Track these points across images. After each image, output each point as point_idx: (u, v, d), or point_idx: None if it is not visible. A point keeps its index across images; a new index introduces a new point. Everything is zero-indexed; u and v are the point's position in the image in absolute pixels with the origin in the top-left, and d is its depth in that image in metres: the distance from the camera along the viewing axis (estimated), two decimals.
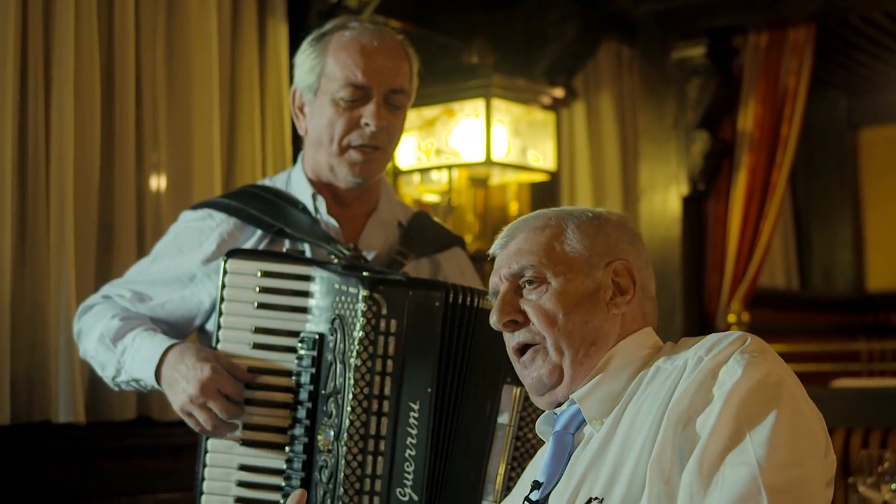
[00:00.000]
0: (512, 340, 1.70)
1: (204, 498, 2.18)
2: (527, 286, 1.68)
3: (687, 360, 1.55)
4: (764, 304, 6.29)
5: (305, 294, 2.17)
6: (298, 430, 2.13)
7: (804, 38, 5.63)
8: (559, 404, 1.69)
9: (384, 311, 2.05)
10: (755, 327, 5.45)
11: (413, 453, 2.04)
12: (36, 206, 3.31)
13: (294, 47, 2.73)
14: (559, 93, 5.03)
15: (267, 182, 2.49)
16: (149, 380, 2.23)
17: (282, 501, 2.15)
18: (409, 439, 2.04)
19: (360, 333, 2.05)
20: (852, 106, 7.77)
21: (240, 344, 2.18)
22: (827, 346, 6.83)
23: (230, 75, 3.93)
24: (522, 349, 1.69)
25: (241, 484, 2.17)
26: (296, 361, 2.15)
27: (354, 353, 2.05)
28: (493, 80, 4.64)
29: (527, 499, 1.63)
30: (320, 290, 2.15)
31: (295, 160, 2.54)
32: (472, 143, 4.62)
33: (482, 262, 4.58)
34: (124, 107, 3.57)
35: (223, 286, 2.19)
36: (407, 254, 2.40)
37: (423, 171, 4.78)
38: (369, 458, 2.04)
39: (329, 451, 2.07)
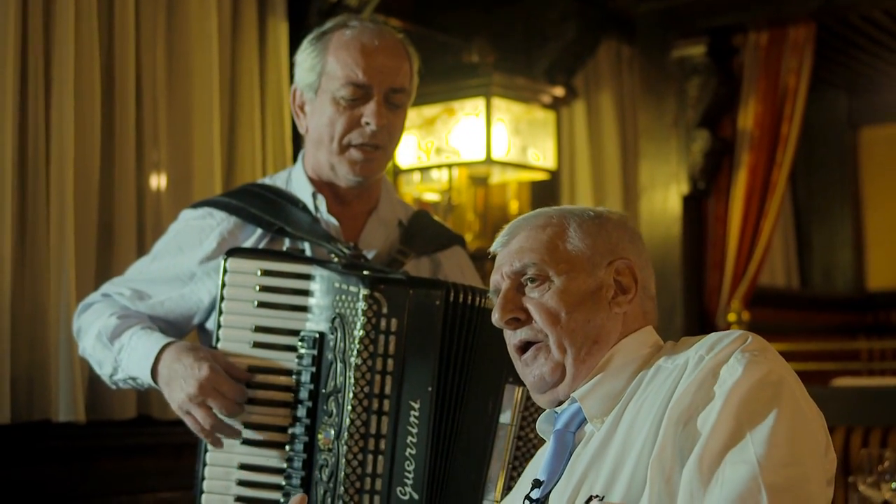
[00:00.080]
0: (514, 338, 1.70)
1: (204, 497, 2.18)
2: (529, 284, 1.68)
3: (688, 359, 1.56)
4: (764, 302, 6.29)
5: (306, 293, 2.17)
6: (299, 429, 2.13)
7: (804, 36, 5.63)
8: (560, 403, 1.69)
9: (385, 310, 2.05)
10: (755, 326, 5.45)
11: (413, 452, 2.04)
12: (36, 205, 3.31)
13: (294, 46, 2.72)
14: (559, 91, 5.03)
15: (267, 181, 2.49)
16: (145, 378, 2.23)
17: (282, 500, 2.15)
18: (410, 438, 2.04)
19: (361, 332, 2.05)
20: (852, 105, 7.77)
21: (240, 343, 2.18)
22: (827, 345, 6.83)
23: (230, 74, 3.93)
24: (524, 347, 1.69)
25: (242, 483, 2.17)
26: (296, 360, 2.15)
27: (355, 352, 2.05)
28: (494, 79, 4.64)
29: (527, 497, 1.64)
30: (321, 288, 2.15)
31: (295, 159, 2.54)
32: (472, 142, 4.62)
33: (482, 261, 4.58)
34: (124, 107, 3.57)
35: (223, 285, 2.19)
36: (407, 253, 2.40)
37: (424, 169, 4.78)
38: (370, 456, 2.04)
39: (329, 449, 2.07)
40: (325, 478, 2.07)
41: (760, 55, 5.65)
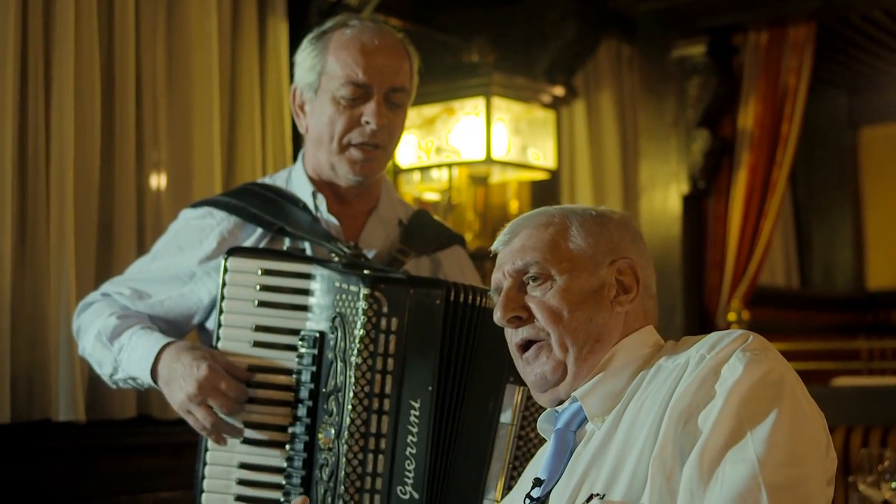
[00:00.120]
0: (515, 337, 1.70)
1: (204, 496, 2.18)
2: (531, 283, 1.68)
3: (689, 358, 1.56)
4: (764, 302, 6.29)
5: (306, 292, 2.17)
6: (299, 429, 2.13)
7: (804, 36, 5.63)
8: (561, 402, 1.69)
9: (385, 310, 2.05)
10: (755, 326, 5.45)
11: (414, 451, 2.04)
12: (36, 205, 3.31)
13: (294, 46, 2.72)
14: (559, 91, 5.03)
15: (267, 180, 2.49)
16: (145, 378, 2.23)
17: (282, 500, 2.15)
18: (410, 437, 2.04)
19: (361, 331, 2.05)
20: (853, 104, 7.77)
21: (240, 342, 2.18)
22: (827, 344, 6.83)
23: (230, 74, 3.93)
24: (525, 346, 1.69)
25: (242, 482, 2.17)
26: (296, 360, 2.15)
27: (355, 352, 2.05)
28: (494, 79, 4.64)
29: (528, 496, 1.64)
30: (321, 288, 2.15)
31: (295, 159, 2.54)
32: (472, 142, 4.62)
33: (482, 261, 4.59)
34: (124, 107, 3.57)
35: (224, 284, 2.19)
36: (407, 252, 2.40)
37: (424, 169, 4.78)
38: (370, 456, 2.04)
39: (330, 449, 2.07)
40: (325, 477, 2.07)
41: (760, 55, 5.65)
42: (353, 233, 2.40)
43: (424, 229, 2.51)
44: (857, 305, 7.60)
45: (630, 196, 5.81)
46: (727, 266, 5.67)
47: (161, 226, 3.34)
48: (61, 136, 3.32)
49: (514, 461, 2.06)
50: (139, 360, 2.24)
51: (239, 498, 2.16)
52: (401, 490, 2.03)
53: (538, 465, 1.71)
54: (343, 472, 2.03)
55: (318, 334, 2.13)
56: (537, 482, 1.64)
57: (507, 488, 2.03)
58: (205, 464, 2.19)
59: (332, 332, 2.10)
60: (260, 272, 2.19)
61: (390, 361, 2.05)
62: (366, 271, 2.12)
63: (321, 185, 2.39)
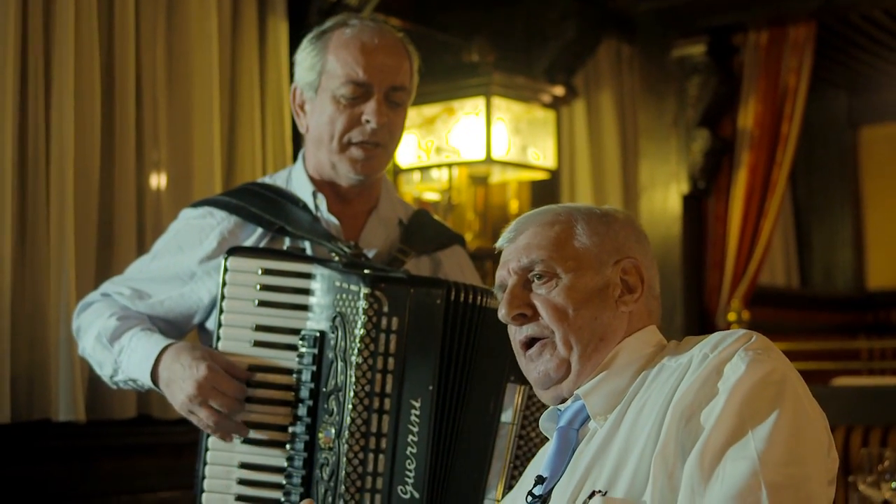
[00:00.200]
0: (519, 334, 1.70)
1: (205, 496, 2.18)
2: (536, 280, 1.68)
3: (692, 357, 1.56)
4: (764, 302, 6.29)
5: (306, 292, 2.17)
6: (299, 428, 2.13)
7: (804, 36, 5.63)
8: (563, 399, 1.69)
9: (385, 309, 2.05)
10: (755, 325, 5.44)
11: (414, 451, 2.04)
12: (36, 205, 3.31)
13: (294, 45, 2.72)
14: (559, 91, 5.03)
15: (267, 180, 2.49)
16: (145, 380, 2.23)
17: (283, 499, 2.14)
18: (411, 437, 2.04)
19: (362, 331, 2.05)
20: (852, 104, 7.77)
21: (241, 342, 2.18)
22: (827, 344, 6.83)
23: (230, 74, 3.93)
24: (529, 343, 1.69)
25: (242, 482, 2.16)
26: (297, 359, 2.15)
27: (355, 351, 2.05)
28: (494, 79, 4.64)
29: (530, 493, 1.64)
30: (321, 287, 2.15)
31: (295, 158, 2.54)
32: (472, 142, 4.62)
33: (482, 261, 4.59)
34: (124, 107, 3.57)
35: (224, 284, 2.19)
36: (408, 252, 2.40)
37: (424, 169, 4.78)
38: (370, 455, 2.04)
39: (330, 448, 2.07)
40: (325, 476, 2.07)
41: (760, 54, 5.65)
42: (354, 232, 2.40)
43: (424, 229, 2.51)
44: (857, 305, 7.60)
45: (630, 196, 5.81)
46: (727, 266, 5.67)
47: (161, 226, 3.34)
48: (61, 136, 3.32)
49: (514, 461, 2.06)
50: (139, 362, 2.24)
51: (239, 498, 2.16)
52: (401, 489, 2.03)
53: (540, 463, 1.72)
54: (343, 472, 2.03)
55: (318, 334, 2.13)
56: (539, 480, 1.64)
57: (508, 488, 2.03)
58: (205, 463, 2.19)
59: (333, 332, 2.10)
60: (260, 272, 2.19)
61: (391, 361, 2.05)
62: (366, 271, 2.12)
63: (322, 184, 2.39)
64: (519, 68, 5.00)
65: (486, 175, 4.89)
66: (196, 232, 2.37)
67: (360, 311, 2.05)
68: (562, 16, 5.18)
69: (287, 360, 2.16)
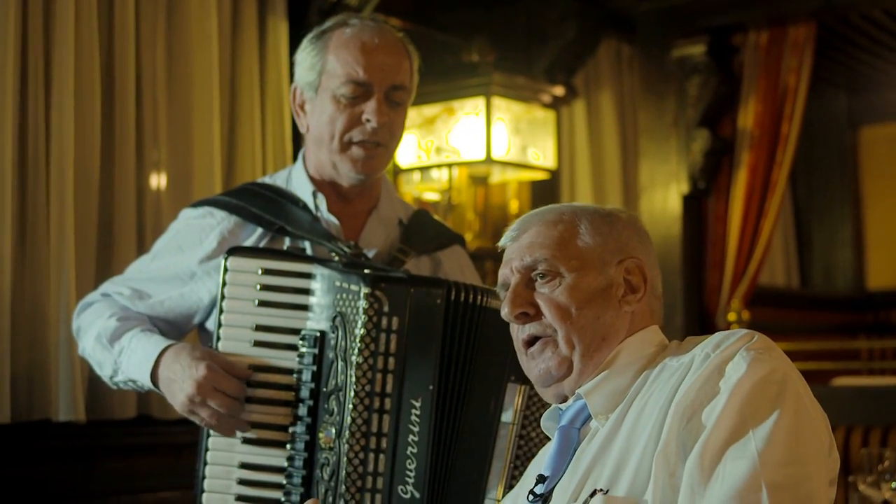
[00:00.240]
0: (522, 333, 1.70)
1: (205, 496, 2.18)
2: (539, 279, 1.68)
3: (694, 356, 1.56)
4: (764, 302, 6.29)
5: (306, 292, 2.17)
6: (300, 428, 2.13)
7: (804, 36, 5.63)
8: (564, 397, 1.70)
9: (386, 309, 2.05)
10: (755, 326, 5.42)
11: (415, 451, 2.04)
12: (36, 205, 3.31)
13: (294, 45, 2.72)
14: (559, 91, 5.03)
15: (267, 180, 2.49)
16: (145, 381, 2.23)
17: (283, 499, 2.14)
18: (411, 437, 2.04)
19: (362, 331, 2.04)
20: (852, 104, 7.77)
21: (241, 342, 2.18)
22: (827, 344, 6.82)
23: (230, 74, 3.93)
24: (531, 342, 1.70)
25: (243, 482, 2.16)
26: (297, 359, 2.15)
27: (356, 351, 2.05)
28: (494, 79, 4.64)
29: (531, 492, 1.64)
30: (321, 287, 2.15)
31: (295, 158, 2.53)
32: (472, 142, 4.62)
33: (482, 261, 4.59)
34: (124, 107, 3.57)
35: (224, 284, 2.19)
36: (408, 251, 2.40)
37: (424, 169, 4.78)
38: (371, 455, 2.04)
39: (330, 448, 2.07)
40: (326, 476, 2.07)
41: (760, 54, 5.65)
42: (354, 232, 2.39)
43: (424, 229, 2.51)
44: (857, 305, 7.60)
45: (630, 196, 5.81)
46: (727, 266, 5.66)
47: (161, 226, 3.34)
48: (61, 136, 3.32)
49: (515, 460, 2.06)
50: (139, 364, 2.24)
51: (240, 498, 2.16)
52: (402, 489, 2.03)
53: (542, 462, 1.72)
54: (344, 472, 2.03)
55: (318, 334, 2.13)
56: (541, 478, 1.64)
57: (508, 487, 2.03)
58: (205, 463, 2.19)
59: (333, 332, 2.10)
60: (260, 272, 2.19)
61: (391, 360, 2.05)
62: (366, 270, 2.12)
63: (322, 184, 2.38)
64: (519, 68, 5.00)
65: (486, 175, 4.89)
66: (196, 232, 2.37)
67: (361, 310, 2.05)
68: (562, 16, 5.18)
69: (287, 359, 2.16)
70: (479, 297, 2.09)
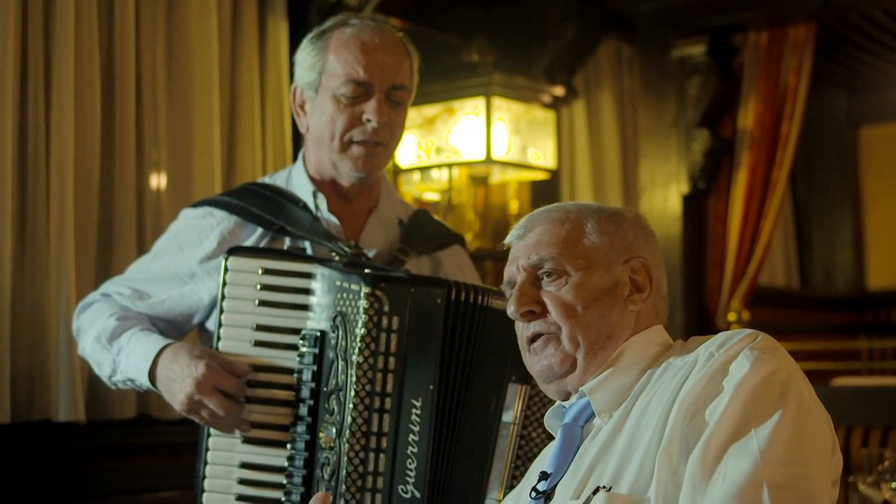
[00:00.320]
0: (527, 331, 1.70)
1: (205, 496, 2.18)
2: (545, 278, 1.69)
3: (698, 355, 1.56)
4: (764, 302, 6.29)
5: (307, 291, 2.17)
6: (300, 428, 2.13)
7: (804, 36, 5.63)
8: (567, 394, 1.70)
9: (386, 308, 2.05)
10: (755, 326, 5.40)
11: (415, 450, 2.04)
12: (36, 205, 3.31)
13: (294, 45, 2.72)
14: (559, 91, 5.03)
15: (267, 180, 2.49)
16: (143, 380, 2.23)
17: (283, 499, 2.14)
18: (412, 436, 2.04)
19: (362, 330, 2.04)
20: (852, 104, 7.77)
21: (241, 342, 2.18)
22: (827, 344, 6.82)
23: (230, 74, 3.93)
24: (534, 338, 1.69)
25: (243, 482, 2.16)
26: (297, 359, 2.15)
27: (356, 350, 2.05)
28: (494, 79, 4.64)
29: (534, 489, 1.64)
30: (322, 287, 2.15)
31: (295, 158, 2.53)
32: (472, 142, 4.62)
33: (482, 261, 4.59)
34: (124, 107, 3.57)
35: (224, 284, 2.19)
36: (408, 251, 2.40)
37: (424, 169, 4.78)
38: (371, 455, 2.04)
39: (331, 448, 2.07)
40: (326, 476, 2.07)
41: (760, 54, 5.65)
42: (354, 232, 2.39)
43: (424, 229, 2.51)
44: (857, 305, 7.60)
45: (630, 196, 5.81)
46: (727, 266, 5.66)
47: (161, 226, 3.34)
48: (61, 136, 3.32)
49: (516, 460, 2.06)
50: (137, 363, 2.24)
51: (240, 497, 2.16)
52: (402, 489, 2.03)
53: (545, 459, 1.72)
54: (344, 471, 2.03)
55: (319, 333, 2.13)
56: (543, 475, 1.64)
57: (509, 487, 2.03)
58: (206, 463, 2.18)
59: (334, 331, 2.10)
60: (261, 271, 2.19)
61: (391, 360, 2.05)
62: (367, 270, 2.11)
63: (322, 183, 2.38)
64: (519, 68, 5.00)
65: (486, 175, 4.89)
66: (196, 232, 2.37)
67: (361, 310, 2.05)
68: (562, 16, 5.18)
69: (288, 359, 2.16)
70: (480, 297, 2.09)
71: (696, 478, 1.43)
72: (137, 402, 3.54)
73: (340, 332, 2.08)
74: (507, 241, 1.76)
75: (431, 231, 2.53)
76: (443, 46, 4.93)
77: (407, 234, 2.45)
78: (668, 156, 5.62)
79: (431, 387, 2.04)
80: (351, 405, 2.04)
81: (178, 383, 2.14)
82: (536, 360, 1.70)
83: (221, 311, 2.19)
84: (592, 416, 1.65)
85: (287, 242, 2.32)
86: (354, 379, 2.04)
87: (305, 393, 2.13)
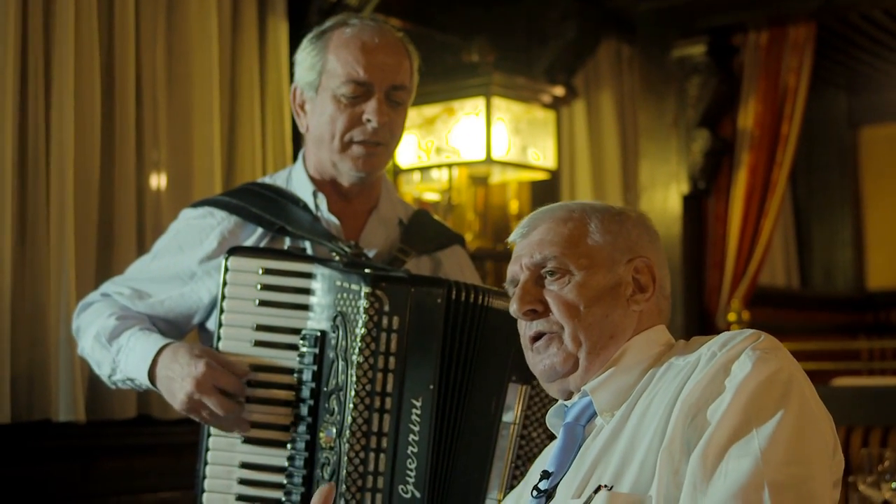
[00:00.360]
0: (529, 329, 1.71)
1: (205, 496, 2.18)
2: (548, 277, 1.69)
3: (700, 355, 1.56)
4: (764, 302, 6.29)
5: (307, 291, 2.17)
6: (300, 428, 2.13)
7: (804, 36, 5.63)
8: (569, 393, 1.70)
9: (386, 308, 2.05)
10: (755, 326, 5.40)
11: (415, 450, 2.03)
12: (36, 205, 3.31)
13: (294, 45, 2.72)
14: (559, 91, 5.03)
15: (267, 180, 2.49)
16: (142, 380, 2.23)
17: (283, 499, 2.14)
18: (412, 436, 2.04)
19: (363, 330, 2.04)
20: (852, 104, 7.77)
21: (241, 342, 2.18)
22: (827, 344, 6.82)
23: (230, 74, 3.93)
24: (537, 338, 1.70)
25: (243, 482, 2.16)
26: (297, 359, 2.15)
27: (356, 350, 2.04)
28: (494, 79, 4.64)
29: (535, 487, 1.64)
30: (322, 287, 2.15)
31: (295, 158, 2.53)
32: (472, 142, 4.62)
33: (482, 261, 4.59)
34: (124, 107, 3.57)
35: (225, 284, 2.19)
36: (408, 251, 2.40)
37: (424, 169, 4.78)
38: (371, 455, 2.04)
39: (331, 448, 2.07)
40: (326, 476, 2.07)
41: (760, 55, 5.65)
42: (354, 232, 2.39)
43: (424, 229, 2.51)
44: (857, 305, 7.60)
45: (630, 196, 5.81)
46: (727, 266, 5.66)
47: (161, 226, 3.34)
48: (61, 136, 3.32)
49: (516, 460, 2.06)
50: (137, 362, 2.24)
51: (240, 497, 2.16)
52: (402, 489, 2.03)
53: (546, 458, 1.72)
54: (345, 471, 2.03)
55: (319, 333, 2.12)
56: (545, 474, 1.64)
57: (509, 488, 2.03)
58: (206, 463, 2.18)
59: (334, 331, 2.10)
60: (261, 271, 2.18)
61: (392, 360, 2.05)
62: (367, 270, 2.11)
63: (323, 183, 2.38)
64: (519, 68, 5.00)
65: (486, 175, 4.89)
66: (196, 232, 2.37)
67: (361, 310, 2.05)
68: (562, 16, 5.18)
69: (288, 359, 2.16)
70: (480, 297, 2.09)
71: (697, 477, 1.43)
72: (138, 403, 3.54)
73: (341, 332, 2.08)
74: (510, 239, 1.76)
75: (431, 231, 2.53)
76: (443, 46, 4.93)
77: (407, 234, 2.45)
78: (668, 156, 5.62)
79: (432, 387, 2.04)
80: (351, 405, 2.04)
81: (178, 382, 2.14)
82: (539, 360, 1.70)
83: (222, 311, 2.19)
84: (594, 415, 1.65)
85: (287, 242, 2.32)
86: (355, 379, 2.04)
87: (306, 393, 2.13)
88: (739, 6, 5.49)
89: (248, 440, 2.16)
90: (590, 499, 1.52)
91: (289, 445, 2.14)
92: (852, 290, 7.69)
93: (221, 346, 2.18)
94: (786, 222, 7.50)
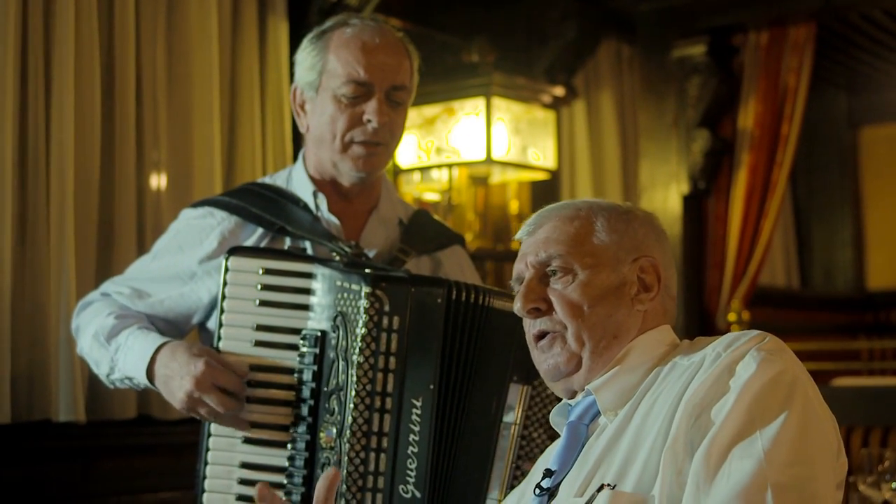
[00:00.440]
0: (533, 328, 1.70)
1: (206, 496, 2.18)
2: (553, 275, 1.68)
3: (704, 355, 1.56)
4: (764, 302, 6.29)
5: (307, 291, 2.17)
6: (301, 428, 2.13)
7: (805, 36, 5.63)
8: (574, 392, 1.70)
9: (386, 308, 2.04)
10: (755, 326, 5.40)
11: (416, 450, 2.03)
12: (36, 205, 3.31)
13: (294, 45, 2.72)
14: (559, 91, 5.03)
15: (267, 180, 2.49)
16: (141, 378, 2.23)
17: (284, 499, 2.14)
18: (412, 436, 2.03)
19: (363, 330, 2.04)
20: (852, 104, 7.77)
21: (241, 341, 2.18)
22: (827, 344, 6.82)
23: (230, 74, 3.93)
24: (542, 336, 1.70)
25: (243, 482, 2.16)
26: (298, 359, 2.15)
27: (357, 350, 2.04)
28: (494, 79, 4.64)
29: (538, 486, 1.64)
30: (322, 287, 2.15)
31: (295, 158, 2.53)
32: (472, 142, 4.62)
33: (482, 261, 4.59)
34: (124, 106, 3.57)
35: (225, 284, 2.19)
36: (408, 251, 2.40)
37: (424, 169, 4.78)
38: (372, 455, 2.04)
39: (331, 448, 2.07)
40: None
41: (760, 55, 5.65)
42: (354, 232, 2.39)
43: (424, 229, 2.51)
44: (857, 305, 7.60)
45: (630, 196, 5.81)
46: (727, 266, 5.66)
47: (161, 226, 3.34)
48: (61, 136, 3.32)
49: (517, 461, 2.06)
50: (135, 361, 2.24)
51: (240, 497, 2.16)
52: (403, 489, 2.03)
53: (549, 458, 1.71)
54: (345, 471, 2.03)
55: (319, 333, 2.12)
56: (548, 473, 1.64)
57: (510, 488, 2.03)
58: (206, 463, 2.18)
59: (334, 331, 2.10)
60: (261, 271, 2.18)
61: (392, 360, 2.05)
62: (367, 270, 2.11)
63: (323, 183, 2.38)
64: (519, 68, 5.00)
65: (487, 175, 4.89)
66: (196, 232, 2.37)
67: (362, 310, 2.05)
68: (562, 16, 5.18)
69: (288, 359, 2.16)
70: (481, 297, 2.09)
71: (700, 477, 1.43)
72: (138, 403, 3.54)
73: (341, 332, 2.08)
74: (517, 236, 1.76)
75: (431, 231, 2.53)
76: (443, 46, 4.93)
77: (407, 234, 2.45)
78: (668, 156, 5.62)
79: (432, 387, 2.04)
80: (351, 405, 2.04)
81: (177, 381, 2.14)
82: (543, 359, 1.70)
83: (222, 311, 2.19)
84: (598, 414, 1.65)
85: (287, 242, 2.32)
86: (355, 379, 2.04)
87: (306, 393, 2.13)
88: (739, 6, 5.49)
89: (248, 440, 2.16)
90: (592, 498, 1.52)
91: (289, 445, 2.14)
92: (852, 290, 7.69)
93: (222, 345, 2.18)
94: (786, 222, 7.50)
